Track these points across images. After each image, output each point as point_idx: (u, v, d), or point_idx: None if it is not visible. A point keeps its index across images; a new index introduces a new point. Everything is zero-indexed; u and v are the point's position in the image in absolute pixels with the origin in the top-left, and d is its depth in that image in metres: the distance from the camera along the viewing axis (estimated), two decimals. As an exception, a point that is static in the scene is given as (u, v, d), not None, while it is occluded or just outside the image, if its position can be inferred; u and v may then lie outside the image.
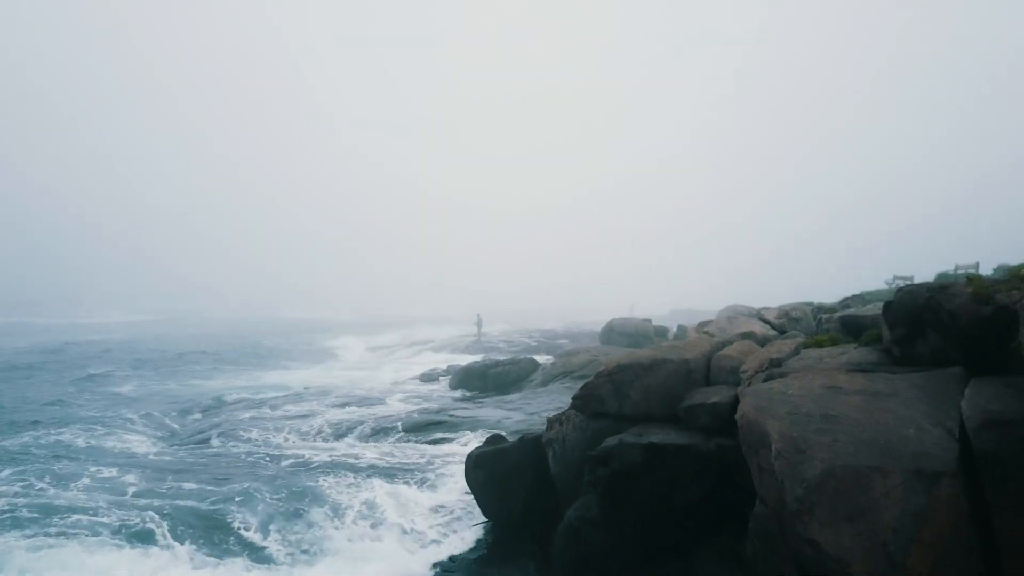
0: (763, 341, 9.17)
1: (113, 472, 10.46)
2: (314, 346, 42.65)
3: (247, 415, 16.50)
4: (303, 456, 11.72)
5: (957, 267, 23.63)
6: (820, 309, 11.46)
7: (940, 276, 21.49)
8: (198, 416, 16.86)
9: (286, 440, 13.52)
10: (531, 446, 8.86)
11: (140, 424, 15.32)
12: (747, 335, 9.03)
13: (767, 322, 9.76)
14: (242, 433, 14.23)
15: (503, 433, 11.99)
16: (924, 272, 28.49)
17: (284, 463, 11.33)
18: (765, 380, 7.03)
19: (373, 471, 10.65)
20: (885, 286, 27.63)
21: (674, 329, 31.77)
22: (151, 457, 12.09)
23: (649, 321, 30.31)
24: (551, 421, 8.72)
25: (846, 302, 10.97)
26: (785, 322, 9.75)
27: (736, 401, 7.49)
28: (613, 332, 28.76)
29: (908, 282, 27.81)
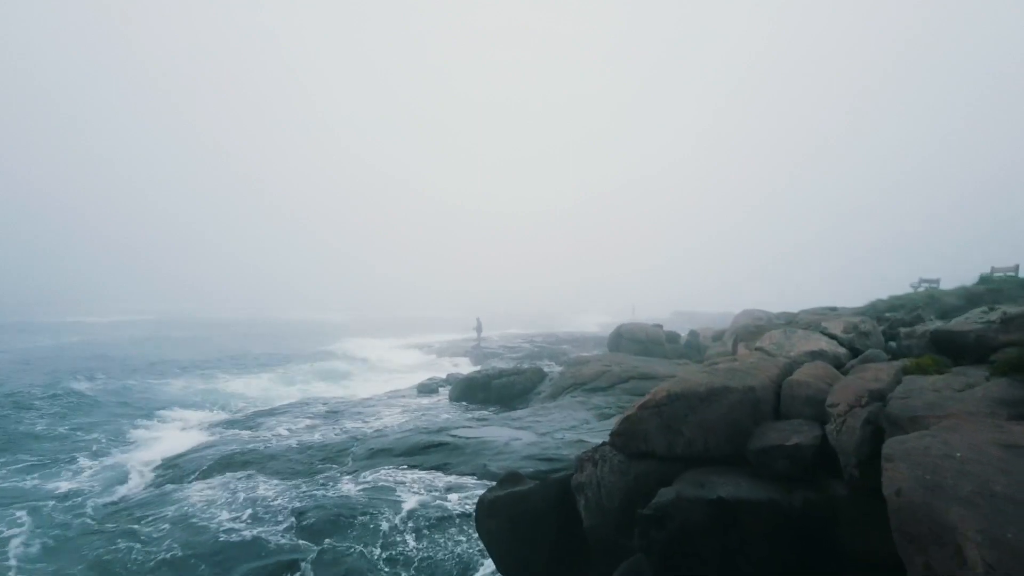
0: (835, 361, 7.61)
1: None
2: (305, 351, 40.96)
3: (210, 441, 14.74)
4: (261, 532, 8.80)
5: (993, 269, 22.19)
6: (881, 320, 9.92)
7: (984, 279, 20.07)
8: (156, 440, 15.05)
9: (250, 481, 11.62)
10: (556, 490, 7.28)
11: (82, 456, 13.44)
12: (817, 354, 7.48)
13: (833, 337, 8.20)
14: (196, 467, 12.46)
15: (518, 470, 10.46)
16: (951, 275, 27.04)
17: (237, 532, 8.78)
18: (868, 421, 5.49)
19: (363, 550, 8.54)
20: (911, 289, 26.18)
21: (684, 335, 30.25)
22: (68, 514, 10.08)
23: (660, 327, 28.75)
24: (582, 460, 7.15)
25: (914, 312, 9.42)
26: (854, 337, 8.21)
27: (822, 442, 5.95)
28: (622, 338, 27.20)
29: (934, 285, 26.36)
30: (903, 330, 7.84)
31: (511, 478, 7.89)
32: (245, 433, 15.33)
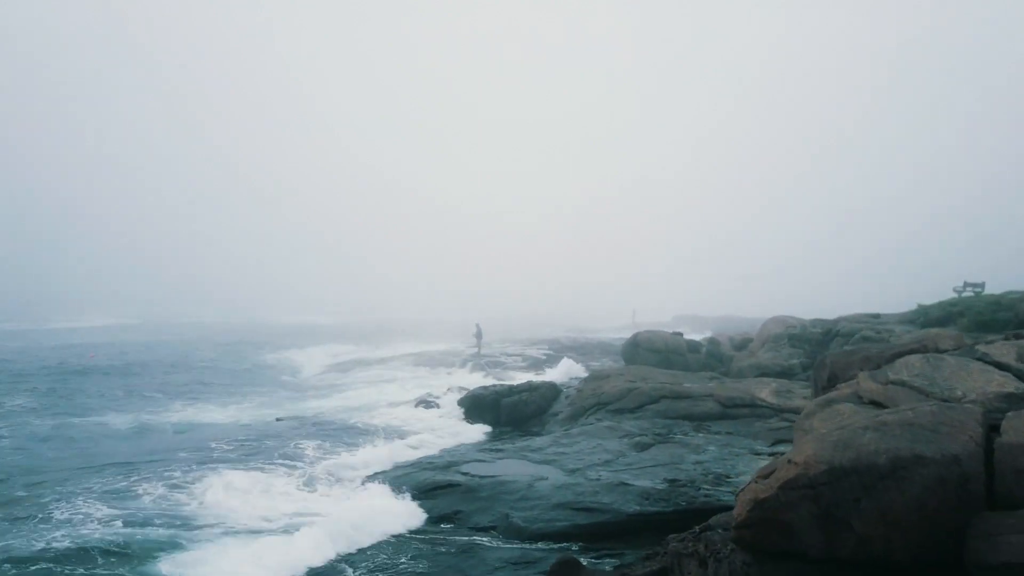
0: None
1: None
2: (297, 359, 38.55)
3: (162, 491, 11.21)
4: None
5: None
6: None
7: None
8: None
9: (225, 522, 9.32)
10: (640, 597, 5.00)
11: None
12: (1016, 399, 5.23)
13: (1006, 368, 5.96)
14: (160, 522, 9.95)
15: (552, 524, 8.21)
16: (994, 279, 25.11)
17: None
18: None
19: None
20: (954, 294, 24.05)
21: (700, 340, 28.08)
22: None
23: (680, 334, 26.52)
24: (680, 555, 4.86)
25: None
26: (1032, 366, 5.97)
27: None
28: (639, 348, 24.91)
29: (979, 289, 24.26)
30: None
31: (567, 567, 5.59)
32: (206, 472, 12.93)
